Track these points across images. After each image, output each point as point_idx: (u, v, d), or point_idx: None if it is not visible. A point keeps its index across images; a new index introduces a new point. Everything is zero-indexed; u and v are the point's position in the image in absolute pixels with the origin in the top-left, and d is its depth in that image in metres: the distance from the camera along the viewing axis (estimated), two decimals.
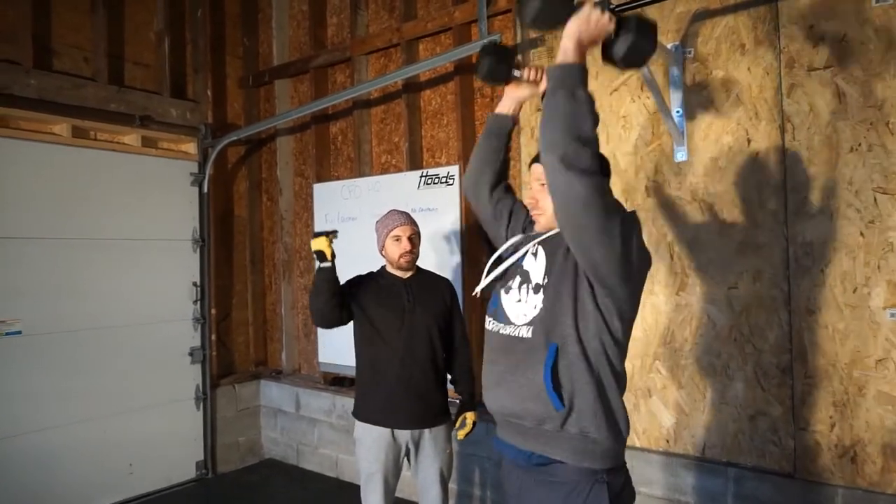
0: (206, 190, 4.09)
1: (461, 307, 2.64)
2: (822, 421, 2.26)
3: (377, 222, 2.49)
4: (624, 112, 2.72)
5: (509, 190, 1.77)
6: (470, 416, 2.43)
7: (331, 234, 2.38)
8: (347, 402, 3.83)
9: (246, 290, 4.46)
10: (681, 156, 2.57)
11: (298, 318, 4.38)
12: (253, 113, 4.46)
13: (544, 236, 1.54)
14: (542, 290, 1.45)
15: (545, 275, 1.47)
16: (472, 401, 2.48)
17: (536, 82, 1.64)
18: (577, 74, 1.28)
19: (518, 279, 1.52)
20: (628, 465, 1.49)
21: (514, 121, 1.71)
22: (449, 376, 2.55)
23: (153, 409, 3.80)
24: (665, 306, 2.61)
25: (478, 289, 1.64)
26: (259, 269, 4.53)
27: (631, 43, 1.33)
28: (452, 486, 3.14)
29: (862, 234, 2.17)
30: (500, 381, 1.46)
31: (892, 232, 2.12)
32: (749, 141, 2.42)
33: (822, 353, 2.25)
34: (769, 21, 2.36)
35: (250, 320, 4.47)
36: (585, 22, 1.31)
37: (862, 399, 2.18)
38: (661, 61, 2.56)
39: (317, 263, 2.36)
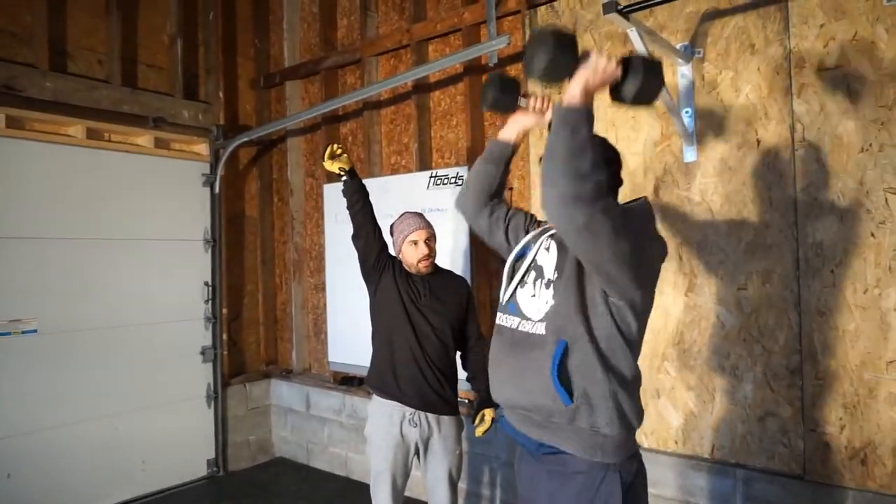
0: (217, 190, 4.13)
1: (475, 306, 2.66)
2: (832, 422, 2.24)
3: (392, 226, 2.50)
4: (633, 112, 2.72)
5: (502, 201, 1.78)
6: (488, 413, 2.43)
7: (327, 151, 2.48)
8: (357, 402, 3.86)
9: (257, 289, 4.50)
10: (690, 156, 2.56)
11: (309, 318, 4.41)
12: (264, 114, 4.50)
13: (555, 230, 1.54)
14: (552, 285, 1.45)
15: (556, 270, 1.47)
16: (490, 398, 2.48)
17: (542, 111, 1.66)
18: (581, 115, 1.30)
19: (533, 274, 1.52)
20: None
21: (514, 148, 1.72)
22: (465, 374, 2.57)
23: (165, 407, 3.85)
24: (674, 307, 2.61)
25: (503, 298, 1.61)
26: (270, 269, 4.57)
27: (640, 85, 1.35)
28: (462, 485, 3.14)
29: (873, 234, 2.16)
30: (509, 376, 1.48)
31: None
32: (759, 141, 2.41)
33: (832, 354, 2.24)
34: (779, 20, 2.35)
35: (261, 320, 4.50)
36: (593, 72, 1.32)
37: (873, 401, 2.16)
38: (670, 62, 2.56)
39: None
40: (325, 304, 4.15)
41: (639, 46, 2.19)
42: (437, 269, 2.53)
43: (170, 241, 3.92)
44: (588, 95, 1.32)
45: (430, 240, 2.46)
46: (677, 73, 2.57)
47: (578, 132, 1.28)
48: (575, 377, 1.38)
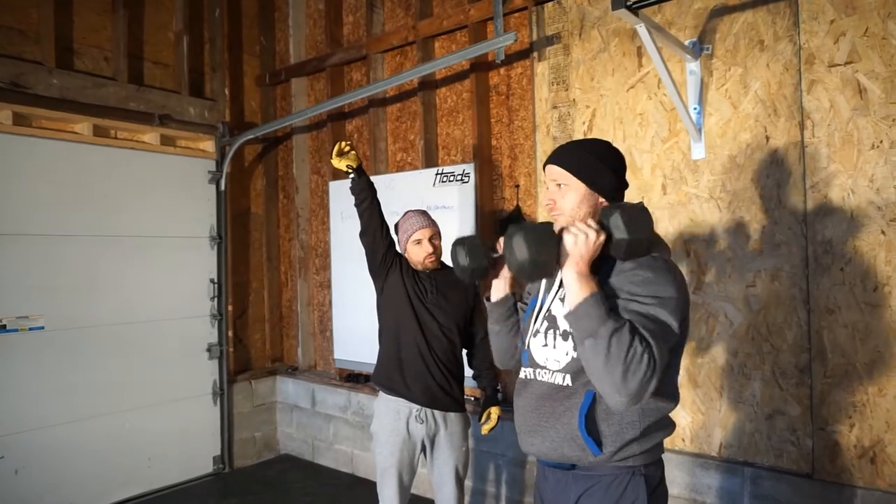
0: (223, 187, 4.13)
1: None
2: (841, 421, 2.23)
3: (396, 225, 2.50)
4: (641, 109, 2.70)
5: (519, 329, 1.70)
6: (494, 411, 2.44)
7: (335, 149, 2.47)
8: (363, 399, 3.86)
9: (262, 286, 4.50)
10: (698, 153, 2.55)
11: (314, 315, 4.41)
12: (270, 111, 4.50)
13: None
14: (570, 337, 1.41)
15: None
16: (496, 395, 2.49)
17: None
18: (593, 312, 1.24)
19: (545, 324, 1.49)
20: None
21: (513, 294, 1.65)
22: (472, 371, 2.57)
23: (171, 404, 3.86)
24: None
25: (521, 352, 1.57)
26: (275, 265, 4.57)
27: (626, 245, 1.27)
28: (468, 482, 3.14)
29: (883, 232, 2.14)
30: (534, 428, 1.45)
31: None
32: (768, 138, 2.39)
33: (841, 352, 2.23)
34: (789, 16, 2.33)
35: (267, 317, 4.51)
36: (579, 250, 1.28)
37: (882, 399, 2.15)
38: (678, 57, 2.55)
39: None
40: (330, 302, 4.15)
41: (647, 42, 2.18)
42: (443, 267, 2.53)
43: (176, 238, 3.93)
44: (585, 275, 1.27)
45: (435, 237, 2.46)
46: (685, 70, 2.56)
47: (598, 332, 1.22)
48: (603, 425, 1.37)
